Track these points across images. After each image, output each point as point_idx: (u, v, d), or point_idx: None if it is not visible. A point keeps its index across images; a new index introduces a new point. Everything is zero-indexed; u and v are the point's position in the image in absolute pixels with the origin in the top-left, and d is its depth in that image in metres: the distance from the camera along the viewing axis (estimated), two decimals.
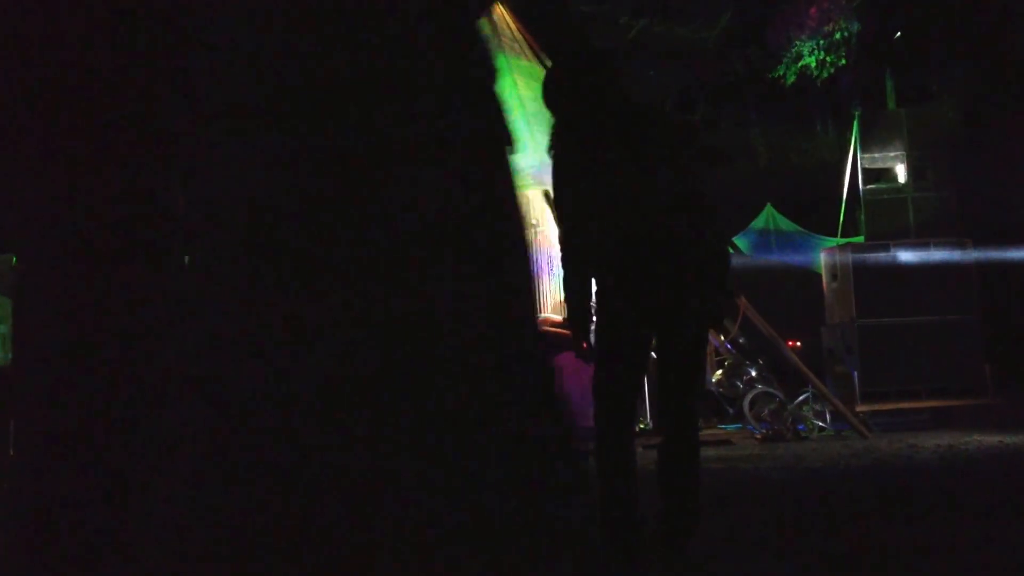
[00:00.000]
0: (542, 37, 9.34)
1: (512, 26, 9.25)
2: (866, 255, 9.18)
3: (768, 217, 13.31)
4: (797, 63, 12.62)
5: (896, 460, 6.80)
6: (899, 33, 13.44)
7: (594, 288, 3.76)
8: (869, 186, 9.48)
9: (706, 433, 9.17)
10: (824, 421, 8.82)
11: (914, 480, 5.75)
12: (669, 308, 3.59)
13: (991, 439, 7.66)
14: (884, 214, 9.37)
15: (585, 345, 3.71)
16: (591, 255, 3.68)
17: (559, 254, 3.79)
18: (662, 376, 3.71)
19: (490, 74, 2.04)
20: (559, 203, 3.76)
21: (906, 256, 9.11)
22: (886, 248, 9.19)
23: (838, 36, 12.46)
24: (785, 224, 13.58)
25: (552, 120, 3.74)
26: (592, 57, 3.75)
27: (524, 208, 2.56)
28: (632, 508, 3.56)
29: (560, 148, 3.71)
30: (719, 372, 9.36)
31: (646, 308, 3.59)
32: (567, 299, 3.76)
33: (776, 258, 12.84)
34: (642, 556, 3.52)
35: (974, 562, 3.39)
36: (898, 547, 3.69)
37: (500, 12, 9.24)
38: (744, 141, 16.21)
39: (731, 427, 9.30)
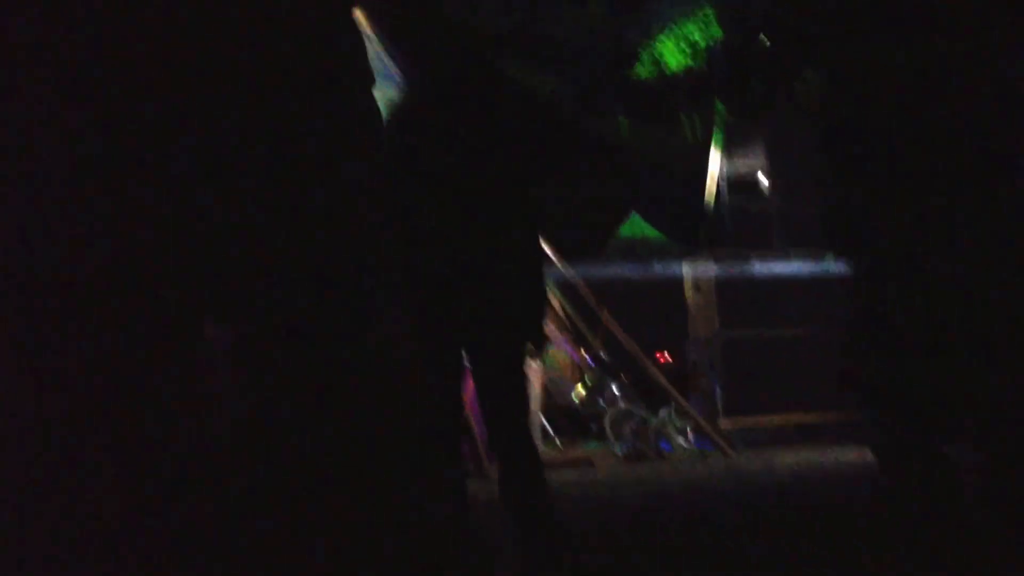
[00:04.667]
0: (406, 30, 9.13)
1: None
2: (729, 267, 9.33)
3: (634, 225, 13.43)
4: (659, 66, 12.82)
5: (755, 480, 6.90)
6: (763, 35, 13.77)
7: None
8: (732, 195, 9.64)
9: (567, 454, 9.18)
10: (686, 438, 8.91)
11: (769, 505, 5.82)
12: (475, 324, 3.53)
13: (851, 454, 7.85)
14: (747, 225, 9.53)
15: None
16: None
17: None
18: (479, 399, 3.65)
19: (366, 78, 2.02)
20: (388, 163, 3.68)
21: (769, 268, 9.28)
22: (748, 260, 9.35)
23: (702, 44, 12.66)
24: (651, 232, 13.72)
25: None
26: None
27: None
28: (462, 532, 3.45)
29: (402, 106, 3.65)
30: (580, 389, 9.39)
31: (449, 321, 3.52)
32: None
33: (643, 268, 12.96)
34: None
35: None
36: None
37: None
38: (612, 143, 16.33)
39: (594, 445, 9.32)
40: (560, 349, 9.70)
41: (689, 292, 9.83)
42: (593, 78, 14.44)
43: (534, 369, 9.02)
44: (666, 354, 13.24)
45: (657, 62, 12.67)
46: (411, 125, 3.64)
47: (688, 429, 8.94)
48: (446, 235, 3.56)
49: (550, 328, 9.27)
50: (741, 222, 9.53)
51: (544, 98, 13.53)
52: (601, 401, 9.14)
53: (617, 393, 9.11)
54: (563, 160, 13.40)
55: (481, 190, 3.60)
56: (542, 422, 9.25)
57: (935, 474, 2.41)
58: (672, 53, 12.68)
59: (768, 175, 9.61)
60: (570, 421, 9.92)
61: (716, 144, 9.78)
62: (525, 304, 3.62)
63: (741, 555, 4.39)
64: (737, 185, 9.69)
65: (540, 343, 3.77)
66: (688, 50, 12.50)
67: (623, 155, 14.70)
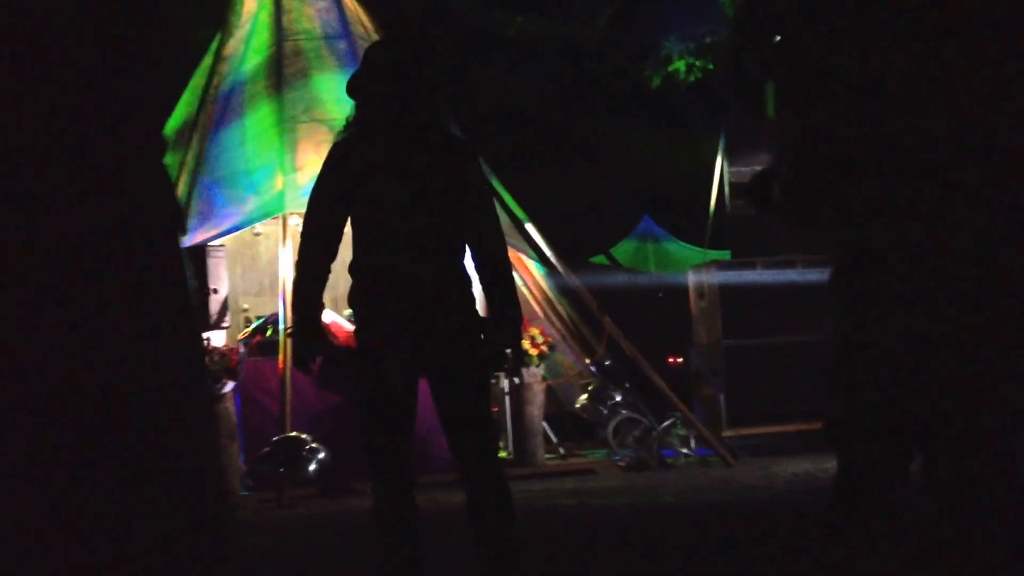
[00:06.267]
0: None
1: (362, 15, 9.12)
2: (732, 273, 9.37)
3: (646, 229, 13.53)
4: (666, 66, 12.83)
5: (750, 493, 6.98)
6: (778, 37, 13.77)
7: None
8: (736, 201, 9.70)
9: (569, 461, 9.29)
10: (689, 447, 8.98)
11: (758, 519, 5.90)
12: (436, 354, 3.55)
13: None
14: (751, 230, 9.58)
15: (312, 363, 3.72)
16: (357, 285, 3.64)
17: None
18: (445, 431, 3.66)
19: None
20: (317, 195, 3.65)
21: (773, 275, 9.31)
22: (752, 266, 9.40)
23: (708, 40, 12.69)
24: (663, 236, 13.81)
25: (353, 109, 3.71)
26: (416, 59, 3.66)
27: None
28: (414, 571, 3.53)
29: (346, 142, 3.66)
30: (583, 397, 9.47)
31: (409, 352, 3.53)
32: (294, 304, 3.72)
33: (653, 273, 13.06)
34: None
35: None
36: None
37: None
38: (623, 145, 16.43)
39: (598, 453, 9.42)
40: (565, 355, 9.80)
41: (693, 299, 9.89)
42: (576, 78, 14.51)
43: (536, 376, 9.12)
44: (679, 360, 13.28)
45: (667, 62, 12.73)
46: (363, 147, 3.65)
47: (691, 437, 9.01)
48: (411, 260, 3.54)
49: (555, 335, 9.36)
50: (745, 228, 9.59)
51: (518, 95, 13.59)
52: (603, 409, 9.21)
53: (620, 401, 9.18)
54: (539, 156, 13.45)
55: (443, 211, 3.61)
56: (545, 429, 9.36)
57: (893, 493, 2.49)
58: (679, 55, 12.73)
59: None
60: (574, 428, 10.03)
61: (722, 149, 9.85)
62: (488, 333, 3.63)
63: (733, 566, 4.49)
64: (742, 188, 9.75)
65: (513, 367, 3.80)
66: (692, 45, 12.54)
67: (599, 154, 14.76)
